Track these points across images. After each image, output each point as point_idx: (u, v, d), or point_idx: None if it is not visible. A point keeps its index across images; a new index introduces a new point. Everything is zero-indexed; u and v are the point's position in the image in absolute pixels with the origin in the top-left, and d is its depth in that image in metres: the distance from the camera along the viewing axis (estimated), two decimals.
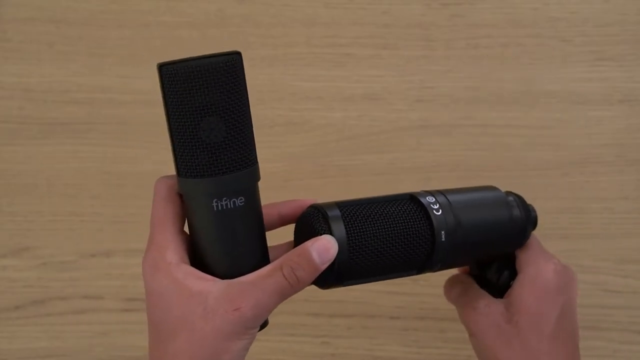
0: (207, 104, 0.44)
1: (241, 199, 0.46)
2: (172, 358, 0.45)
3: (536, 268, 0.56)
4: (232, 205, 0.45)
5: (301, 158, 0.76)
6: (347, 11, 0.75)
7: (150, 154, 0.77)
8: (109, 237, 0.77)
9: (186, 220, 0.49)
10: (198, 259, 0.48)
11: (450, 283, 0.61)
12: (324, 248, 0.46)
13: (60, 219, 0.77)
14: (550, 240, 0.75)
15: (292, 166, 0.76)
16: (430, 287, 0.76)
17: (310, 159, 0.76)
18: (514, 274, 0.58)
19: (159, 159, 0.76)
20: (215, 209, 0.45)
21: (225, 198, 0.45)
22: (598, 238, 0.75)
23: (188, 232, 0.50)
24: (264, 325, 0.49)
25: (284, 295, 0.45)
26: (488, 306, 0.56)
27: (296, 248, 0.47)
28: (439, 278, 0.76)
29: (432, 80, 0.75)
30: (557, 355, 0.52)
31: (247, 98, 0.47)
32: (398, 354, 0.77)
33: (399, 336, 0.76)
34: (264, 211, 0.50)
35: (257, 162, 0.48)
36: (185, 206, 0.48)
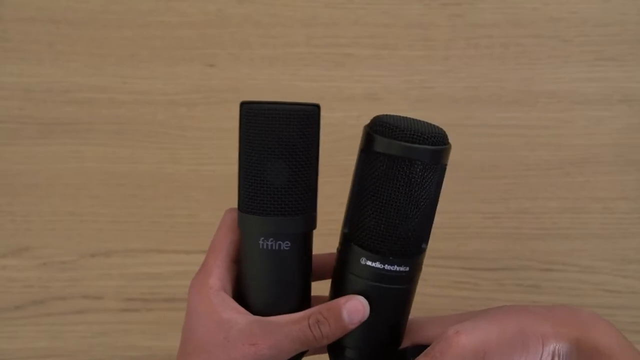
0: (277, 148, 0.46)
1: (287, 244, 0.47)
2: None
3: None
4: (276, 247, 0.47)
5: None
6: (347, 11, 0.75)
7: (150, 154, 0.77)
8: (109, 237, 0.77)
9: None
10: (240, 292, 0.49)
11: None
12: (355, 309, 0.46)
13: (60, 219, 0.77)
14: (551, 240, 0.75)
15: None
16: (430, 287, 0.76)
17: None
18: None
19: (159, 159, 0.76)
20: (260, 247, 0.47)
21: (271, 239, 0.47)
22: (598, 238, 0.75)
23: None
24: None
25: (305, 344, 0.46)
26: None
27: (329, 302, 0.47)
28: (439, 278, 0.76)
29: (432, 80, 0.75)
30: None
31: (318, 149, 0.48)
32: None
33: None
34: (324, 259, 0.51)
35: (314, 211, 0.49)
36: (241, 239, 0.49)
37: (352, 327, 0.46)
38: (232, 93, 0.76)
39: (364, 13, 0.75)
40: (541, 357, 0.44)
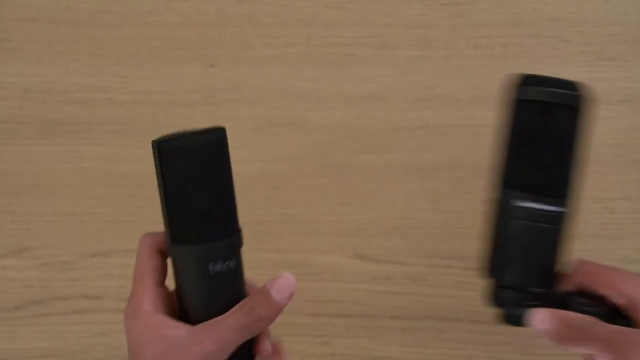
0: (199, 177, 0.48)
1: (233, 262, 0.50)
2: None
3: None
4: (225, 268, 0.50)
5: (301, 158, 0.76)
6: (347, 11, 0.75)
7: (150, 154, 0.77)
8: (109, 237, 0.77)
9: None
10: (182, 311, 0.52)
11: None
12: (282, 286, 0.49)
13: (60, 219, 0.77)
14: None
15: (292, 166, 0.76)
16: (430, 287, 0.76)
17: (310, 159, 0.76)
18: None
19: None
20: (211, 272, 0.49)
21: (220, 262, 0.49)
22: (598, 238, 0.75)
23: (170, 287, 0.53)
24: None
25: (246, 331, 0.49)
26: None
27: (259, 288, 0.51)
28: (441, 278, 0.76)
29: (432, 80, 0.75)
30: None
31: (231, 169, 0.50)
32: (398, 354, 0.77)
33: (399, 336, 0.76)
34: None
35: (240, 230, 0.51)
36: (174, 267, 0.52)
37: (285, 302, 0.49)
38: (232, 93, 0.76)
39: (364, 13, 0.75)
40: None
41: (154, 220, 0.77)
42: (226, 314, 0.49)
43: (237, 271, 0.51)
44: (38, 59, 0.76)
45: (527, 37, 0.75)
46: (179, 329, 0.49)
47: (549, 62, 0.75)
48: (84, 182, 0.77)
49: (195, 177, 0.48)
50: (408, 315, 0.76)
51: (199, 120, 0.76)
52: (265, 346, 0.52)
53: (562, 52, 0.75)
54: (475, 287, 0.76)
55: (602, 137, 0.75)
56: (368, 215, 0.76)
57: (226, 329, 0.48)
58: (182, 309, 0.52)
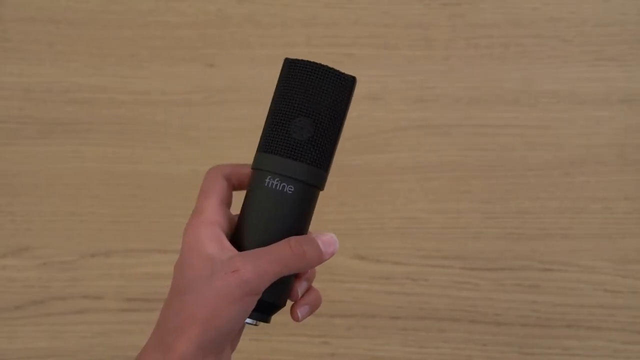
0: (309, 105, 0.49)
1: (291, 187, 0.49)
2: (175, 315, 0.47)
3: None
4: (280, 188, 0.49)
5: None
6: (347, 11, 0.75)
7: (150, 154, 0.77)
8: (109, 237, 0.77)
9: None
10: (236, 232, 0.51)
11: None
12: (329, 241, 0.50)
13: (60, 219, 0.77)
14: (551, 240, 0.75)
15: None
16: (430, 287, 0.76)
17: None
18: None
19: (159, 159, 0.76)
20: (266, 184, 0.49)
21: (278, 179, 0.49)
22: (598, 238, 0.75)
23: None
24: (265, 315, 0.50)
25: (286, 266, 0.47)
26: None
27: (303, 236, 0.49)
28: (439, 278, 0.76)
29: (432, 80, 0.75)
30: None
31: (344, 118, 0.51)
32: (398, 354, 0.77)
33: (399, 336, 0.76)
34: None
35: (325, 171, 0.51)
36: (248, 184, 0.51)
37: (328, 256, 0.49)
38: (232, 93, 0.76)
39: (364, 13, 0.75)
40: None
41: (154, 220, 0.78)
42: (273, 245, 0.48)
43: (295, 202, 0.49)
44: (38, 59, 0.77)
45: (527, 37, 0.75)
46: (221, 251, 0.48)
47: (549, 62, 0.75)
48: (84, 182, 0.77)
49: (303, 101, 0.49)
50: (408, 315, 0.76)
51: (199, 120, 0.77)
52: (296, 291, 0.51)
53: (562, 52, 0.75)
54: (474, 287, 0.76)
55: (602, 137, 0.75)
56: (368, 215, 0.76)
57: (266, 260, 0.47)
58: (236, 230, 0.51)
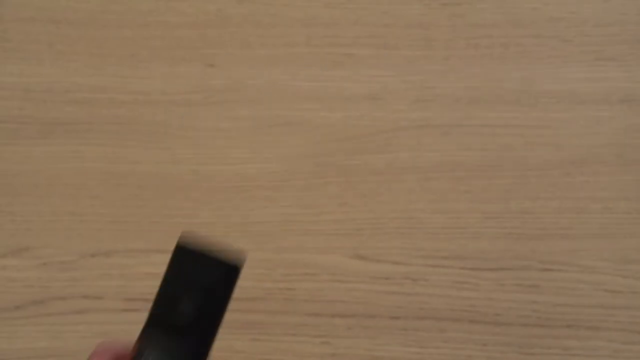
0: (194, 290, 0.49)
1: None
2: None
3: None
4: None
5: (301, 158, 0.76)
6: (347, 11, 0.75)
7: (150, 154, 0.77)
8: (109, 237, 0.77)
9: None
10: None
11: None
12: None
13: (60, 219, 0.77)
14: (550, 240, 0.75)
15: (292, 166, 0.76)
16: (430, 287, 0.76)
17: (310, 159, 0.76)
18: None
19: (159, 159, 0.76)
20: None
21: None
22: (598, 238, 0.75)
23: None
24: None
25: None
26: None
27: None
28: (439, 278, 0.76)
29: (432, 80, 0.75)
30: None
31: (225, 310, 0.50)
32: (398, 354, 0.77)
33: (399, 336, 0.76)
34: None
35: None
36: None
37: None
38: (232, 93, 0.76)
39: (364, 13, 0.75)
40: None
41: (154, 221, 0.78)
42: None
43: None
44: (38, 59, 0.77)
45: (527, 37, 0.75)
46: None
47: (549, 62, 0.75)
48: (84, 182, 0.77)
49: (190, 286, 0.49)
50: (408, 315, 0.76)
51: (199, 120, 0.77)
52: None
53: (562, 52, 0.75)
54: (474, 288, 0.76)
55: (602, 137, 0.75)
56: (368, 215, 0.76)
57: None
58: None
